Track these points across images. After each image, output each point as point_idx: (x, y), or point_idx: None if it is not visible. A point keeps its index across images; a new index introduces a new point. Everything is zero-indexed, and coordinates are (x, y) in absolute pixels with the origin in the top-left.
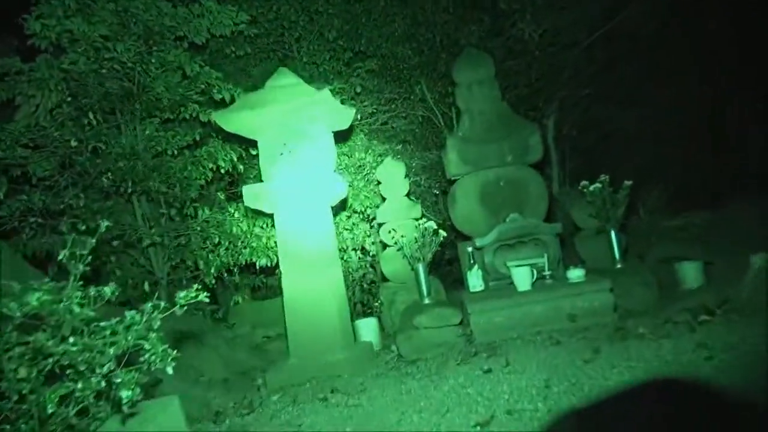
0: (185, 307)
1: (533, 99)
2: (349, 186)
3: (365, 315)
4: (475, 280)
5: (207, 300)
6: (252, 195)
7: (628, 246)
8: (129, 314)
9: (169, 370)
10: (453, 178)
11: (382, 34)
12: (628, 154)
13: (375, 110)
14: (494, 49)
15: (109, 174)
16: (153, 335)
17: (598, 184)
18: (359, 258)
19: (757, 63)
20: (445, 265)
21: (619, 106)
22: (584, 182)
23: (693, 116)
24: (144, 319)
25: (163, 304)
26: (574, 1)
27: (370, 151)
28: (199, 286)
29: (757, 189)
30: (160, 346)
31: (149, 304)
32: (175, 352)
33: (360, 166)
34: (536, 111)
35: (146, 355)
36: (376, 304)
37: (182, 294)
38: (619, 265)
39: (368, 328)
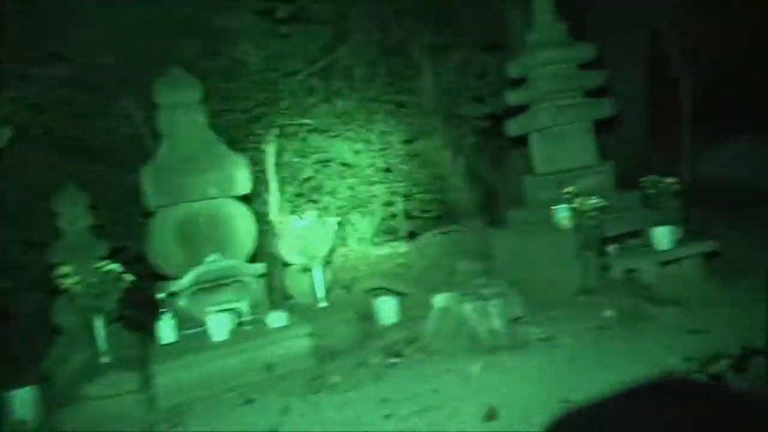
0: None
1: (252, 125)
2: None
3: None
4: (165, 331)
5: None
6: None
7: (335, 278)
8: None
9: None
10: (150, 211)
11: (78, 37)
12: (341, 184)
13: (64, 124)
14: (211, 70)
15: None
16: None
17: (305, 220)
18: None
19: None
20: (146, 309)
21: (336, 137)
22: (291, 216)
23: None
24: None
25: None
26: (296, 31)
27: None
28: None
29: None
30: None
31: None
32: None
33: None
34: (255, 137)
35: None
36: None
37: None
38: (322, 304)
39: (22, 403)
